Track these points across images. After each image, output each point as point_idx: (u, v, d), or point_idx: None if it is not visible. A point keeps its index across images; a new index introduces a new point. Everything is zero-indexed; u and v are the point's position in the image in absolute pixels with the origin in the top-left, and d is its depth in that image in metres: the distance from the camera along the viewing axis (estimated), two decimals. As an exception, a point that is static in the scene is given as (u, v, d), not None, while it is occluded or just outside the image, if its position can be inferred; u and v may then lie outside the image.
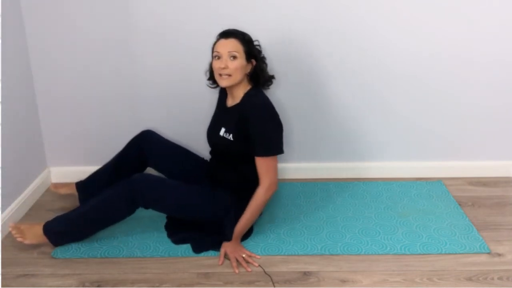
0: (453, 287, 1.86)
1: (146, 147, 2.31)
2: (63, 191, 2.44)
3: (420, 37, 2.44)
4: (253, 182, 2.07)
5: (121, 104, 2.57)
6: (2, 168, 2.19)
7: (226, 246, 2.05)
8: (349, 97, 2.56)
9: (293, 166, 2.67)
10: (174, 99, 2.56)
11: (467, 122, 2.61)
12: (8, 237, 2.21)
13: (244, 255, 2.01)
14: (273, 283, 1.89)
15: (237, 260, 2.00)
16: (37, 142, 2.61)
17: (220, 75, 2.02)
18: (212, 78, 2.18)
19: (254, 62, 2.07)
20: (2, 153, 2.19)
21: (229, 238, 2.06)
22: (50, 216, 2.37)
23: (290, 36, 2.43)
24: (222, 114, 2.18)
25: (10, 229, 2.08)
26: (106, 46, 2.46)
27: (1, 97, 2.20)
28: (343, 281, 1.90)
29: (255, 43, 2.11)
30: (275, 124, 2.04)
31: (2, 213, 2.21)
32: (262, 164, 2.02)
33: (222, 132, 2.10)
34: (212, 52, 2.07)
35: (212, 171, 2.23)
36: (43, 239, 2.06)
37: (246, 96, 2.08)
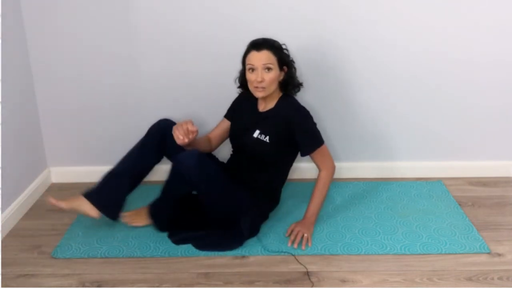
0: (453, 287, 1.86)
1: (168, 135, 2.18)
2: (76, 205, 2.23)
3: (420, 37, 2.44)
4: (276, 185, 2.29)
5: (121, 104, 2.57)
6: (2, 168, 2.19)
7: (299, 224, 2.15)
8: (349, 97, 2.56)
9: (293, 166, 2.66)
10: (174, 99, 2.56)
11: (467, 122, 2.61)
12: (8, 237, 2.21)
13: (306, 235, 2.11)
14: (309, 278, 1.89)
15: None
16: (37, 142, 2.61)
17: (257, 87, 2.07)
18: (243, 86, 2.23)
19: (286, 69, 2.14)
20: (2, 153, 2.19)
21: (245, 237, 2.11)
22: (50, 216, 2.38)
23: (290, 36, 2.42)
24: (254, 118, 2.20)
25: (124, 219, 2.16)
26: (106, 46, 2.46)
27: (1, 97, 2.20)
28: (343, 281, 1.90)
29: (283, 47, 2.14)
30: (313, 120, 2.18)
31: (2, 213, 2.21)
32: (318, 155, 2.17)
33: (256, 134, 2.15)
34: (244, 63, 2.12)
35: (234, 172, 2.22)
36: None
37: (282, 101, 2.17)
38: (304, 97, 2.55)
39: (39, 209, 2.45)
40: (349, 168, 2.70)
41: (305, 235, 2.11)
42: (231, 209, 2.11)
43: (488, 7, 2.39)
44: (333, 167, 2.21)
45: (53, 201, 2.12)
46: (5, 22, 2.23)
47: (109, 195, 2.15)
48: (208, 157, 2.16)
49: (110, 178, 2.17)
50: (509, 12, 2.40)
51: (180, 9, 2.39)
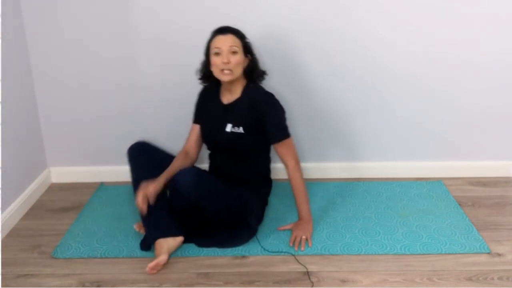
0: (453, 287, 1.86)
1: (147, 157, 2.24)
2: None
3: (420, 37, 2.44)
4: (265, 168, 2.29)
5: (122, 104, 2.57)
6: (2, 168, 2.19)
7: (298, 229, 2.15)
8: (349, 97, 2.56)
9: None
10: (174, 99, 2.56)
11: (467, 122, 2.61)
12: (8, 237, 2.21)
13: (304, 237, 2.11)
14: (309, 278, 1.89)
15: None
16: (37, 142, 2.61)
17: (222, 70, 2.04)
18: (205, 77, 2.19)
19: (250, 57, 2.12)
20: (2, 153, 2.19)
21: (253, 229, 2.14)
22: (50, 216, 2.38)
23: (290, 35, 2.43)
24: (221, 112, 2.17)
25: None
26: (106, 46, 2.46)
27: (1, 97, 2.20)
28: (343, 281, 1.90)
29: (247, 39, 2.14)
30: (282, 109, 2.15)
31: (2, 213, 2.21)
32: (283, 147, 2.13)
33: (229, 128, 2.13)
34: (208, 49, 2.09)
35: (220, 172, 2.22)
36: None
37: (247, 89, 2.14)
38: (305, 99, 2.55)
39: (39, 209, 2.45)
40: (348, 168, 2.70)
41: (303, 237, 2.11)
42: (236, 211, 2.11)
43: (488, 7, 2.38)
44: (299, 162, 2.16)
45: (151, 265, 1.95)
46: (5, 22, 2.23)
47: (160, 221, 2.08)
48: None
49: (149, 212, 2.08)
50: (509, 12, 2.40)
51: (180, 9, 2.38)
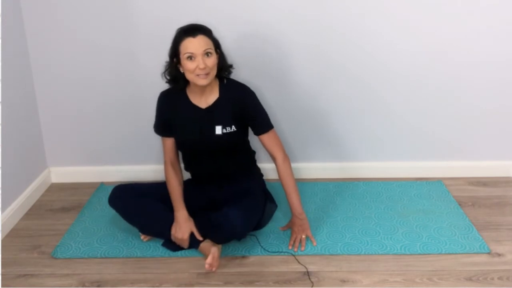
0: (453, 287, 1.86)
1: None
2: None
3: (420, 37, 2.44)
4: (251, 166, 2.28)
5: (122, 103, 2.57)
6: (2, 168, 2.19)
7: (294, 223, 2.14)
8: (349, 97, 2.56)
9: (293, 166, 2.65)
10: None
11: (467, 122, 2.61)
12: (8, 237, 2.21)
13: (304, 236, 2.11)
14: (309, 278, 1.89)
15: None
16: (37, 142, 2.61)
17: (198, 75, 1.93)
18: (173, 80, 2.05)
19: (218, 52, 2.02)
20: (2, 153, 2.19)
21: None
22: (50, 216, 2.38)
23: (290, 35, 2.43)
24: (202, 118, 2.06)
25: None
26: (106, 46, 2.46)
27: (1, 97, 2.20)
28: (343, 281, 1.90)
29: (213, 34, 2.04)
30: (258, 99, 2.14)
31: (2, 213, 2.21)
32: (271, 138, 2.12)
33: (219, 130, 2.06)
34: (177, 52, 1.95)
35: (207, 175, 2.18)
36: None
37: (225, 87, 2.07)
38: (305, 99, 2.55)
39: (39, 209, 2.45)
40: (348, 168, 2.70)
41: (303, 236, 2.11)
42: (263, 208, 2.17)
43: (488, 7, 2.38)
44: (286, 154, 2.14)
45: (209, 261, 1.93)
46: (5, 22, 2.23)
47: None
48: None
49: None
50: (509, 12, 2.40)
51: (180, 8, 2.38)
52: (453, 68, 2.50)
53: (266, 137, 2.11)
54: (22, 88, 2.44)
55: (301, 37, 2.43)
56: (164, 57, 2.48)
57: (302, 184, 2.62)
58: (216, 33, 2.02)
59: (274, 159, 2.13)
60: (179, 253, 2.07)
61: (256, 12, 2.37)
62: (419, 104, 2.57)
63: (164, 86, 2.53)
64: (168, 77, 2.06)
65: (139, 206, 2.09)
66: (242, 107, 2.06)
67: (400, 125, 2.62)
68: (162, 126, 2.14)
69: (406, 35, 2.44)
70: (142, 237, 2.16)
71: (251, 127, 2.13)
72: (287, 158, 2.14)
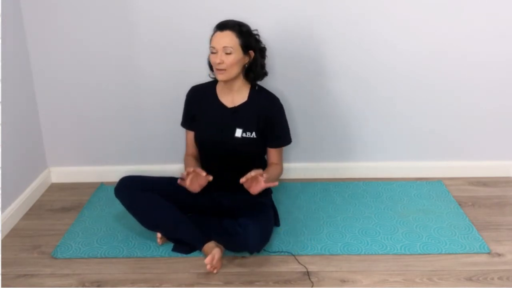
0: (453, 287, 1.86)
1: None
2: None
3: (420, 37, 2.44)
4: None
5: (121, 103, 2.57)
6: (2, 168, 2.18)
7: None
8: (349, 97, 2.56)
9: (293, 166, 2.67)
10: (174, 99, 2.55)
11: (467, 122, 2.61)
12: (8, 237, 2.21)
13: (254, 174, 1.97)
14: (309, 279, 1.89)
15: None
16: (37, 142, 2.61)
17: (218, 69, 2.00)
18: (211, 68, 2.13)
19: (252, 54, 2.04)
20: (2, 153, 2.19)
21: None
22: (50, 216, 2.38)
23: (293, 35, 2.43)
24: (226, 116, 2.09)
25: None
26: (106, 46, 2.46)
27: (1, 97, 2.20)
28: (343, 281, 1.90)
29: (254, 32, 2.06)
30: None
31: (2, 213, 2.21)
32: (280, 152, 2.17)
33: (239, 133, 2.07)
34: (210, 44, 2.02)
35: (227, 182, 2.08)
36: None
37: (254, 93, 2.10)
38: (306, 98, 2.55)
39: (39, 209, 2.45)
40: (349, 168, 2.70)
41: (253, 174, 1.92)
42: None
43: (488, 7, 2.38)
44: (282, 170, 2.20)
45: (208, 260, 1.90)
46: (5, 22, 2.23)
47: (191, 233, 2.05)
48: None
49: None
50: (509, 12, 2.40)
51: (180, 9, 2.38)
52: (453, 68, 2.50)
53: (275, 150, 2.16)
54: (22, 88, 2.44)
55: (301, 37, 2.43)
56: (164, 57, 2.49)
57: (302, 184, 2.62)
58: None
59: (269, 165, 2.17)
60: (179, 253, 2.07)
61: (256, 12, 2.37)
62: (419, 104, 2.57)
63: (164, 86, 2.54)
64: (210, 67, 2.13)
65: (145, 199, 2.07)
66: (267, 116, 2.08)
67: (400, 125, 2.62)
68: (188, 119, 2.20)
69: (406, 35, 2.44)
70: (158, 240, 2.09)
71: (267, 138, 2.12)
72: (282, 170, 2.19)
